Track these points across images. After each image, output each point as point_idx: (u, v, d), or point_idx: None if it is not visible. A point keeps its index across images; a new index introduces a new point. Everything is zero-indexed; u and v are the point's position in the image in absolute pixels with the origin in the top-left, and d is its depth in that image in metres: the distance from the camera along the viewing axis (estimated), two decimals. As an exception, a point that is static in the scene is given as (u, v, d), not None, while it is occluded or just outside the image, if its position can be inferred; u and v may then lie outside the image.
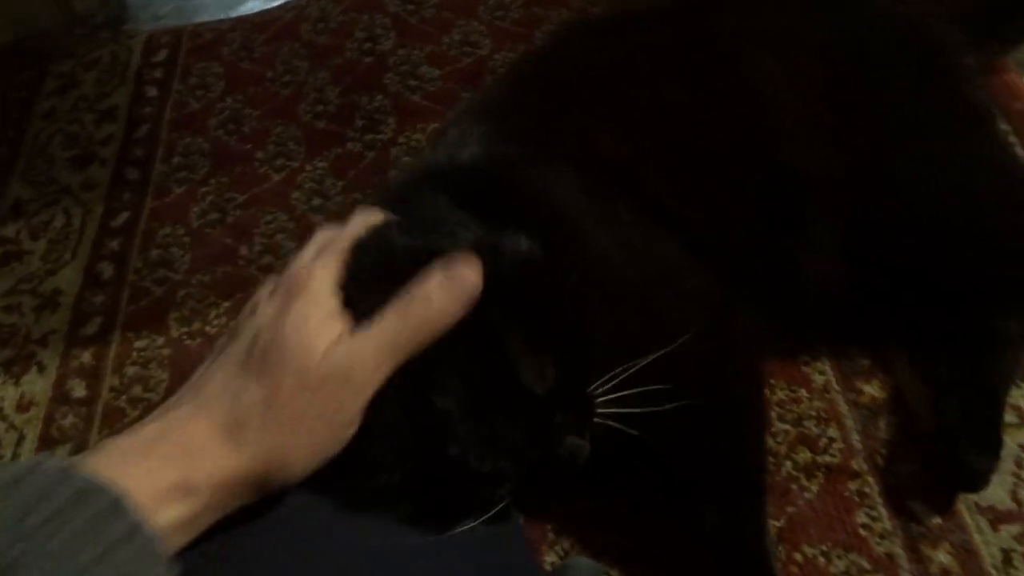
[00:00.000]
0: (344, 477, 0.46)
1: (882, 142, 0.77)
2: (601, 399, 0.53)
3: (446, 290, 0.45)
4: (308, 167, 1.15)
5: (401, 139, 1.15)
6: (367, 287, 0.47)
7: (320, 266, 0.47)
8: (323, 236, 0.51)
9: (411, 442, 0.47)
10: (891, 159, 0.77)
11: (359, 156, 1.15)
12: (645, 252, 0.67)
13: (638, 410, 0.54)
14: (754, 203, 0.76)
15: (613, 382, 0.53)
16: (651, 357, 0.55)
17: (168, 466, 0.41)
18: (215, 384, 0.44)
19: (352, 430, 0.44)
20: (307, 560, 0.45)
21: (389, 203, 0.56)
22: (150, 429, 0.43)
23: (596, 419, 0.53)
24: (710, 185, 0.75)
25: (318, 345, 0.43)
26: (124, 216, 1.15)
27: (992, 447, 0.74)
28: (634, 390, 0.54)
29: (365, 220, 0.52)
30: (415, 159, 0.73)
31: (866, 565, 0.72)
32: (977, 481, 0.73)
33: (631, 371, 0.54)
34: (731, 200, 0.76)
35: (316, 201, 1.11)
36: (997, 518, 0.73)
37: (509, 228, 0.52)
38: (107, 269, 1.10)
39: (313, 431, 0.43)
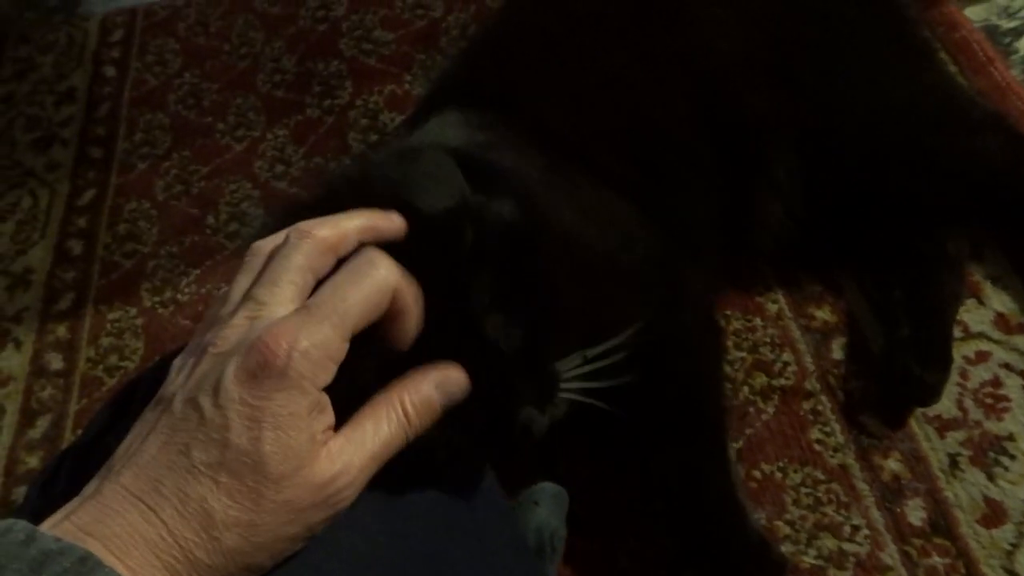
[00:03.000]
0: None
1: (828, 73, 0.80)
2: (567, 375, 0.53)
3: (439, 393, 0.42)
4: (269, 135, 1.17)
5: (358, 102, 1.16)
6: None
7: (305, 335, 0.38)
8: (270, 266, 0.42)
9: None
10: (837, 89, 0.80)
11: (318, 122, 1.17)
12: (606, 222, 0.69)
13: (603, 384, 0.55)
14: (711, 152, 0.79)
15: (578, 361, 0.54)
16: (619, 337, 0.56)
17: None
18: (169, 492, 0.37)
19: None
20: None
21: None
22: (99, 544, 0.36)
23: (561, 395, 0.53)
24: (666, 142, 0.77)
25: (307, 467, 0.38)
26: (90, 194, 1.16)
27: (944, 362, 0.78)
28: (599, 364, 0.55)
29: (378, 274, 0.41)
30: (390, 145, 0.74)
31: (821, 476, 0.76)
32: (930, 395, 0.77)
33: (597, 351, 0.55)
34: (688, 152, 0.78)
35: (279, 168, 1.13)
36: (943, 426, 0.77)
37: (496, 194, 0.51)
38: (76, 246, 1.11)
39: (287, 544, 0.39)
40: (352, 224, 0.43)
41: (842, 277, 0.88)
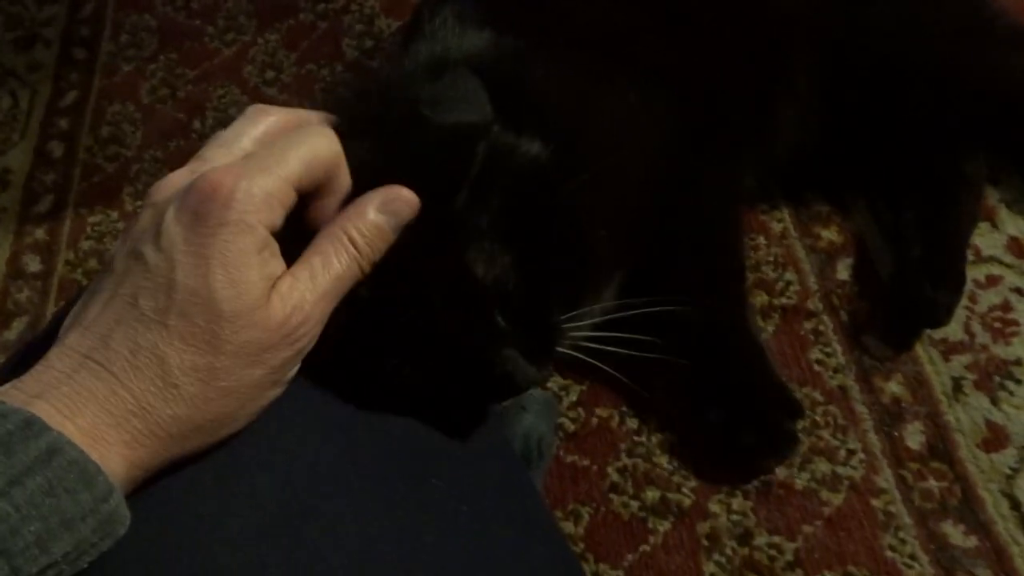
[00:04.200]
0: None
1: None
2: (576, 332, 0.51)
3: (386, 215, 0.40)
4: (260, 40, 1.12)
5: (354, 7, 1.11)
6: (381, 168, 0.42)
7: (248, 174, 0.36)
8: (222, 133, 0.42)
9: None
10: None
11: (311, 27, 1.12)
12: (646, 124, 0.68)
13: (615, 348, 0.53)
14: (741, 53, 0.76)
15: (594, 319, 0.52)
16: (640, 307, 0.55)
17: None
18: (118, 344, 0.35)
19: (292, 377, 0.39)
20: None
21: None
22: (48, 406, 0.34)
23: (564, 351, 0.51)
24: (703, 43, 0.75)
25: (259, 299, 0.36)
26: (72, 95, 1.12)
27: (957, 283, 0.75)
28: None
29: (319, 140, 0.40)
30: (401, 50, 0.69)
31: (819, 398, 0.73)
32: (941, 316, 0.74)
33: (614, 314, 0.54)
34: (723, 53, 0.76)
35: (269, 74, 1.08)
36: (949, 349, 0.74)
37: (527, 132, 0.49)
38: (57, 148, 1.07)
39: (254, 391, 0.37)
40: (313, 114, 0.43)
41: (851, 197, 0.85)
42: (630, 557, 0.69)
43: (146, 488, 0.36)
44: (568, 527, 0.71)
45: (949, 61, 0.77)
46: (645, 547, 0.69)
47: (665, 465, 0.73)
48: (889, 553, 0.65)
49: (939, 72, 0.77)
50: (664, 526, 0.70)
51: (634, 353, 0.58)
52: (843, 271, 0.81)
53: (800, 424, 0.70)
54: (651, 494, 0.71)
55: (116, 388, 0.34)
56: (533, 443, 0.61)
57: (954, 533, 0.65)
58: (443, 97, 0.46)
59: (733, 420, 0.69)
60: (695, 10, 0.76)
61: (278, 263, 0.37)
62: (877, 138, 0.80)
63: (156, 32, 1.17)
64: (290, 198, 0.38)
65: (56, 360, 0.35)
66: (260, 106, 0.43)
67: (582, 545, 0.70)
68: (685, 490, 0.71)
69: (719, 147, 0.75)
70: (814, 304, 0.79)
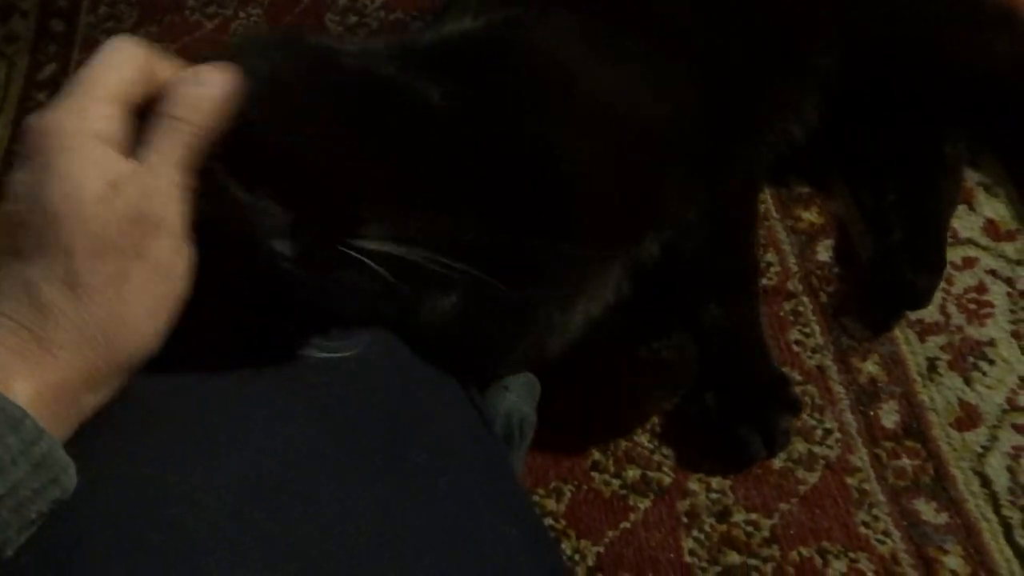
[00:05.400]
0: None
1: None
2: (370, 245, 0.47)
3: (204, 85, 0.42)
4: (241, 14, 1.11)
5: (338, -20, 1.10)
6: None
7: (68, 112, 0.39)
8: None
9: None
10: None
11: (295, 1, 1.11)
12: (656, 90, 0.67)
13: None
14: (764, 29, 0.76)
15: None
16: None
17: None
18: None
19: (183, 267, 0.40)
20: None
21: None
22: None
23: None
24: (716, 19, 0.74)
25: (97, 193, 0.37)
26: (51, 68, 1.11)
27: (937, 267, 0.76)
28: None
29: (119, 49, 0.42)
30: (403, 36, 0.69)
31: (797, 378, 0.75)
32: (921, 299, 0.75)
33: None
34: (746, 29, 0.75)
35: (252, 49, 1.07)
36: (924, 330, 0.75)
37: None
38: (36, 123, 1.06)
39: (138, 288, 0.38)
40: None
41: (832, 179, 0.85)
42: (611, 534, 0.70)
43: (117, 466, 0.37)
44: (550, 504, 0.72)
45: (935, 43, 0.78)
46: (626, 524, 0.70)
47: (646, 444, 0.74)
48: (863, 529, 0.67)
49: (925, 54, 0.78)
50: (644, 503, 0.71)
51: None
52: (823, 253, 0.81)
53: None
54: (632, 472, 0.73)
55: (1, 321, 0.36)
56: (515, 423, 0.61)
57: (926, 510, 0.67)
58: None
59: (730, 409, 0.70)
60: None
61: (119, 161, 0.39)
62: (861, 120, 0.80)
63: (136, 5, 1.16)
64: (112, 110, 0.39)
65: None
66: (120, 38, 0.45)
67: (564, 522, 0.71)
68: (665, 469, 0.72)
69: (741, 129, 0.75)
70: (794, 285, 0.80)
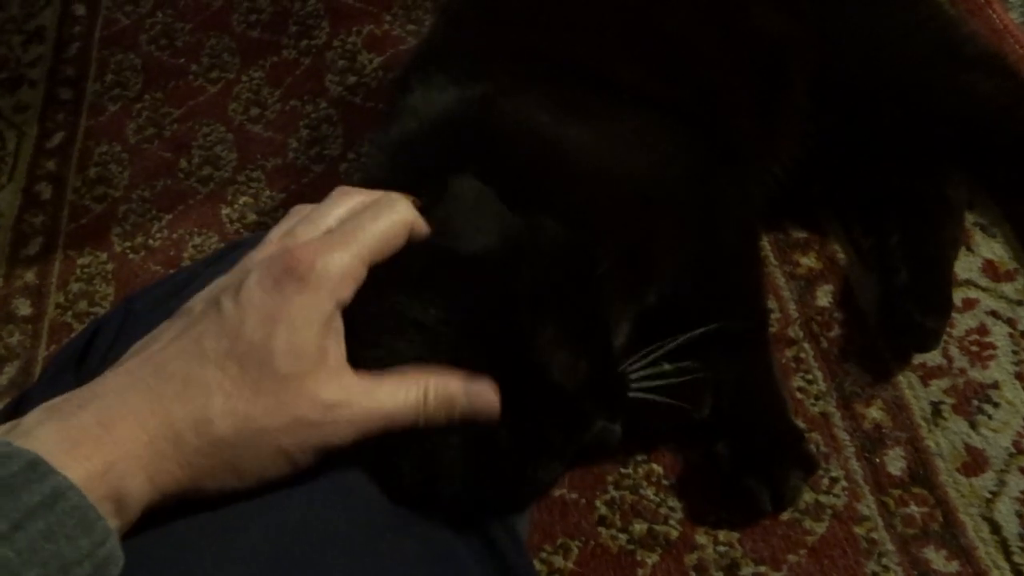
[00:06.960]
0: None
1: (836, 6, 0.80)
2: (634, 374, 0.53)
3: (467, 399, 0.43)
4: (244, 77, 1.13)
5: (336, 43, 1.13)
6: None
7: (328, 251, 0.40)
8: (310, 212, 0.44)
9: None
10: (845, 24, 0.79)
11: (295, 63, 1.13)
12: (636, 144, 0.69)
13: (674, 381, 0.56)
14: (734, 75, 0.77)
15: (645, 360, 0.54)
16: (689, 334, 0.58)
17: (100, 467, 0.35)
18: (173, 373, 0.38)
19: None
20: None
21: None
22: (89, 415, 0.36)
23: (633, 395, 0.53)
24: (689, 64, 0.76)
25: (311, 378, 0.38)
26: (59, 136, 1.13)
27: (944, 308, 0.75)
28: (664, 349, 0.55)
29: (394, 213, 0.43)
30: (386, 128, 0.70)
31: (802, 425, 0.74)
32: (931, 341, 0.75)
33: (667, 347, 0.56)
34: (716, 75, 0.76)
35: (254, 111, 1.10)
36: (927, 374, 0.75)
37: (535, 214, 0.50)
38: (45, 190, 1.08)
39: (278, 455, 0.39)
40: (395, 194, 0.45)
41: (828, 224, 0.86)
42: (620, 590, 0.70)
43: (143, 535, 0.38)
44: (558, 561, 0.72)
45: (918, 86, 0.78)
46: (634, 580, 0.70)
47: (652, 497, 0.74)
48: (873, 580, 0.66)
49: (908, 98, 0.78)
50: (652, 558, 0.71)
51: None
52: (823, 298, 0.82)
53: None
54: (639, 526, 0.72)
55: (157, 410, 0.37)
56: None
57: (936, 558, 0.66)
58: (459, 219, 0.46)
59: (741, 461, 0.69)
60: (674, 28, 0.76)
61: (340, 341, 0.40)
62: (859, 162, 0.81)
63: (141, 71, 1.18)
64: (362, 275, 0.41)
65: (111, 378, 0.38)
66: (344, 188, 0.46)
67: (572, 579, 0.71)
68: (672, 522, 0.72)
69: (726, 172, 0.75)
70: (794, 332, 0.80)
